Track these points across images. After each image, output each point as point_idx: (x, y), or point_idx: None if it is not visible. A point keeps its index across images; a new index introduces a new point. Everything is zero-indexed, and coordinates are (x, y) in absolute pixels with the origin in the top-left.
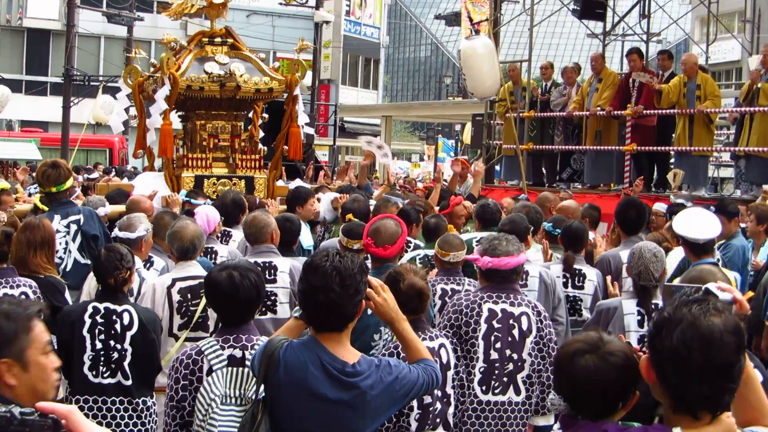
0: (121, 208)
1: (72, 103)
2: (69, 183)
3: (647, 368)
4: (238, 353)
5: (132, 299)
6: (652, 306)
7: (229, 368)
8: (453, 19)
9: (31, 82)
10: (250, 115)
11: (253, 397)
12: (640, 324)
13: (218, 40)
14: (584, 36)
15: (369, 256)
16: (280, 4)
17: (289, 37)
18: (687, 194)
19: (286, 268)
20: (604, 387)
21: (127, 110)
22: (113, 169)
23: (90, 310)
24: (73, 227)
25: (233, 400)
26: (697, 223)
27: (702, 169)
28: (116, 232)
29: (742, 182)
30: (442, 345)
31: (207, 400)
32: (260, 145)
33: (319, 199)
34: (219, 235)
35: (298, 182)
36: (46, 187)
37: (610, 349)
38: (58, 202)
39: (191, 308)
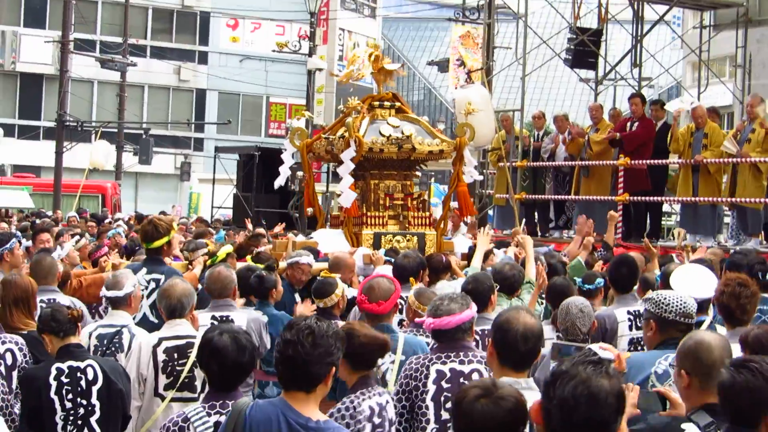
0: (324, 265)
1: (65, 149)
2: (161, 241)
3: (537, 411)
4: (224, 420)
5: (123, 355)
6: None
7: None
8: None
9: (24, 127)
10: None
11: None
12: None
13: (387, 103)
14: (576, 82)
15: (365, 315)
16: (273, 51)
17: (282, 82)
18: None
19: (243, 321)
20: (496, 427)
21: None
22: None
23: (54, 371)
24: (152, 285)
25: None
26: (693, 281)
27: (709, 219)
28: (104, 291)
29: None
30: (388, 401)
31: None
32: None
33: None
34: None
35: (461, 238)
36: (143, 243)
37: (502, 394)
38: (150, 258)
39: (177, 368)
